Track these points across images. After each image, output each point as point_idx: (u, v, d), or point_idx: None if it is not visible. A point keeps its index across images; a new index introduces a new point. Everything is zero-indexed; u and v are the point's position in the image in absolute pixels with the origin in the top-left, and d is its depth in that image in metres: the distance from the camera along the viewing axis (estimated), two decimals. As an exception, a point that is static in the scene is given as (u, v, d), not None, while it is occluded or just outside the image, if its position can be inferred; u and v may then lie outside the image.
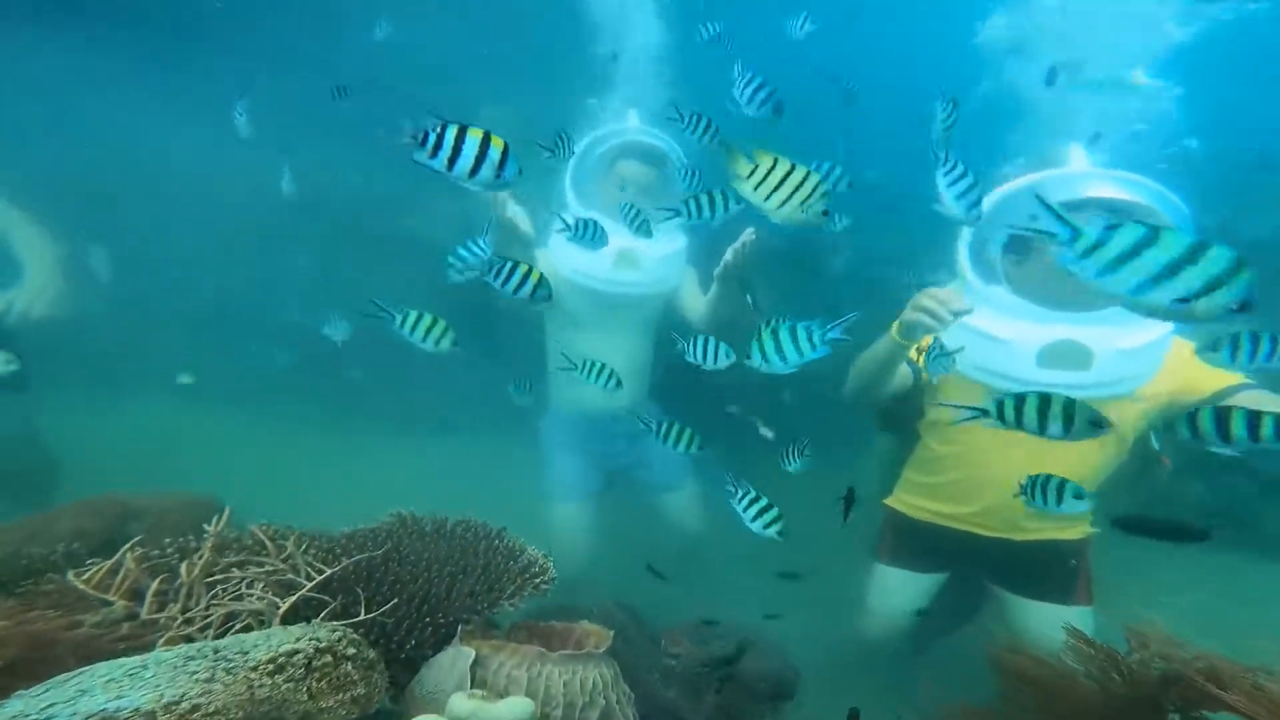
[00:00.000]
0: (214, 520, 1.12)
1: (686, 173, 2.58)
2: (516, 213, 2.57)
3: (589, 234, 2.30)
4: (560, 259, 2.67)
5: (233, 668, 0.64)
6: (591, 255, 2.56)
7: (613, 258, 2.63)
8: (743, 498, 1.88)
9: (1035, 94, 3.05)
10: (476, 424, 4.30)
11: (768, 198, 1.40)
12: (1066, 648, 1.26)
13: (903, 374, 2.27)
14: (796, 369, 1.62)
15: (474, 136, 1.27)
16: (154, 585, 0.98)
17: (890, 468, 2.57)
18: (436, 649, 1.23)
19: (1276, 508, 3.94)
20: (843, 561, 2.63)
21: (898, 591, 2.46)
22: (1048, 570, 2.25)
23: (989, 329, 2.07)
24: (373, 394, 4.14)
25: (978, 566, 2.42)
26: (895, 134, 3.67)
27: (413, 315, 1.90)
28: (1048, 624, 2.14)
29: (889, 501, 2.51)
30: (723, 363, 2.03)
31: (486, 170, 1.29)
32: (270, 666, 0.68)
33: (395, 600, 1.16)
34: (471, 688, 1.13)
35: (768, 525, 1.83)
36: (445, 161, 1.26)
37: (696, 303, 2.82)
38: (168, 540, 1.14)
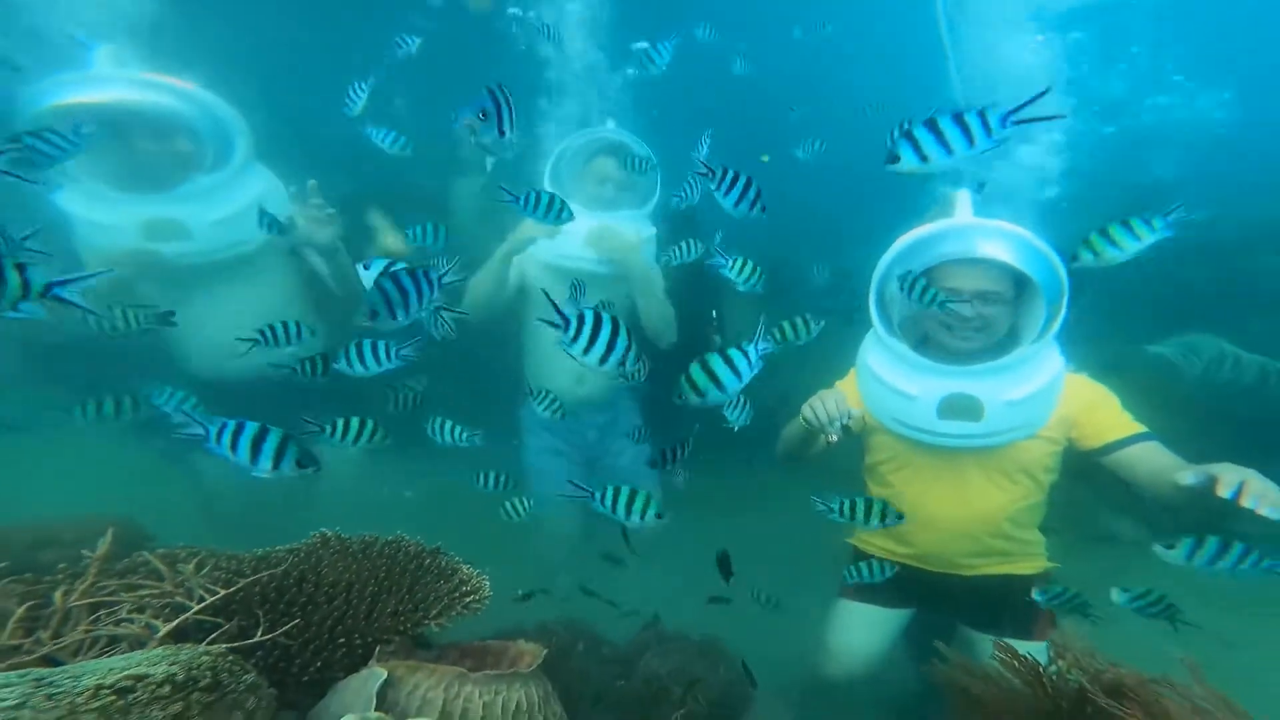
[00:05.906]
0: (101, 541, 1.09)
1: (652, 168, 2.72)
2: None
3: (546, 205, 2.16)
4: (541, 247, 2.77)
5: (58, 693, 0.61)
6: (563, 235, 2.63)
7: (583, 236, 2.74)
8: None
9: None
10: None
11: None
12: (1005, 667, 1.22)
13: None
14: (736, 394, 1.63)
15: None
16: (19, 611, 0.95)
17: None
18: (351, 672, 1.19)
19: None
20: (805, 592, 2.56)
21: (860, 629, 2.39)
22: (1003, 605, 2.23)
23: (896, 382, 2.14)
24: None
25: (937, 602, 2.39)
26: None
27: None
28: None
29: (850, 539, 2.49)
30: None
31: None
32: (109, 693, 0.65)
33: (297, 621, 1.13)
34: (378, 710, 1.09)
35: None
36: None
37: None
38: (63, 565, 1.11)
